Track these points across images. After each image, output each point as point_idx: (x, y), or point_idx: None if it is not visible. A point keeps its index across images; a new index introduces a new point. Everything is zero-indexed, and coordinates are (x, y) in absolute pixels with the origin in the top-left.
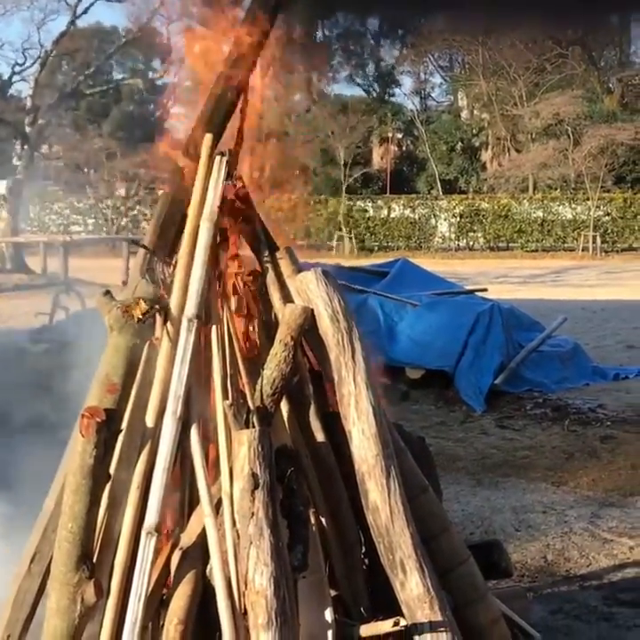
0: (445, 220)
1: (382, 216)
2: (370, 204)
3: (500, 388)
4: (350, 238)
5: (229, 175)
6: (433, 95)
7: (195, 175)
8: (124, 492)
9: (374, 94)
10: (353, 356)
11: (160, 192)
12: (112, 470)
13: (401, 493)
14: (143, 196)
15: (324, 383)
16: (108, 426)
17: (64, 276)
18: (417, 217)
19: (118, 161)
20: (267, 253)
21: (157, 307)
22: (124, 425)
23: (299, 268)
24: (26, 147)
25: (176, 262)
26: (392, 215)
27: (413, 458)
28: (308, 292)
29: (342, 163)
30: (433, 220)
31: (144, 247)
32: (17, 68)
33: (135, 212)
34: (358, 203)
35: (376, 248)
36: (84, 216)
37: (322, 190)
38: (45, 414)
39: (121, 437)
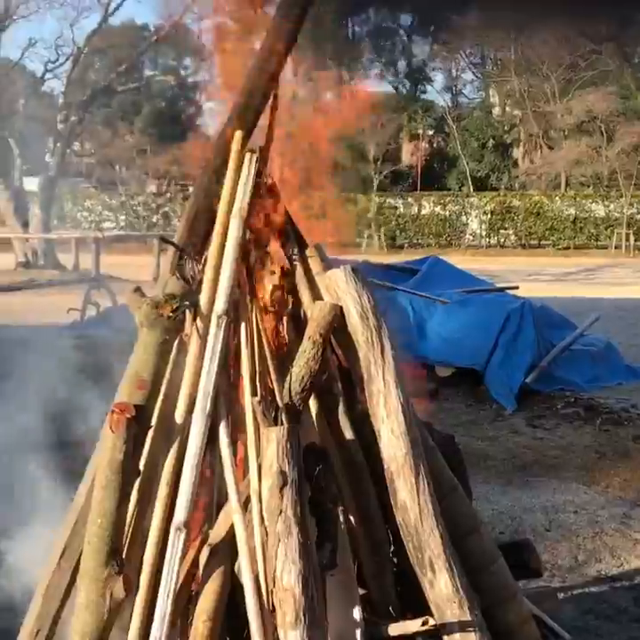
0: (476, 217)
1: (413, 213)
2: (400, 201)
3: (530, 387)
4: (380, 236)
5: (259, 173)
6: (464, 92)
7: (225, 172)
8: (153, 488)
9: (405, 91)
10: (382, 354)
11: (191, 189)
12: (141, 466)
13: (430, 492)
14: (174, 193)
15: (352, 381)
16: (137, 422)
17: (95, 273)
18: (448, 214)
19: (150, 158)
20: (296, 250)
21: (187, 303)
22: (153, 421)
23: (328, 265)
24: (58, 144)
25: (206, 259)
26: (422, 212)
27: (443, 456)
28: (337, 290)
29: (372, 160)
30: (464, 218)
31: (174, 245)
32: (50, 66)
33: (166, 208)
34: (389, 200)
35: (406, 245)
36: (115, 213)
37: (352, 187)
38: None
39: (150, 433)
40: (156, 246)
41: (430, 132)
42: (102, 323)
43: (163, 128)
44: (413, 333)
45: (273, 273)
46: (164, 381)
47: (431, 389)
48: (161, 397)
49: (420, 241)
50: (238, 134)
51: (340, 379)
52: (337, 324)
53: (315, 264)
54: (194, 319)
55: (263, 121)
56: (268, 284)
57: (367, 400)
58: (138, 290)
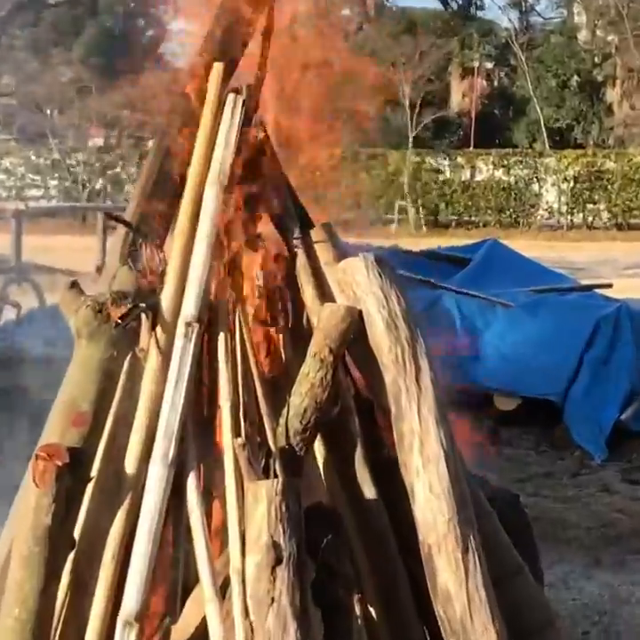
0: (554, 185)
1: (463, 179)
2: (446, 162)
3: (628, 427)
4: (418, 209)
5: (247, 121)
6: (538, 9)
7: (199, 120)
8: (93, 565)
9: (455, 7)
10: (417, 379)
11: (150, 143)
12: (77, 534)
13: (483, 575)
14: (127, 148)
15: (375, 416)
16: (72, 472)
17: (15, 260)
18: (513, 181)
19: (93, 99)
20: (297, 232)
21: (143, 305)
22: (94, 471)
23: (342, 253)
24: None
25: (171, 243)
26: (477, 178)
27: (503, 525)
28: (354, 287)
29: (408, 104)
30: (536, 186)
31: (125, 222)
32: None
33: (117, 170)
34: (429, 159)
35: (454, 224)
36: (44, 176)
37: (379, 142)
38: None
39: (90, 488)
40: (100, 223)
41: (490, 65)
42: (24, 330)
43: (112, 56)
44: (462, 349)
45: (265, 264)
46: (111, 415)
47: (488, 429)
48: (106, 437)
49: (473, 218)
50: (218, 66)
51: (357, 413)
52: (354, 336)
53: (323, 251)
54: (152, 327)
55: (253, 47)
56: (259, 280)
57: (396, 443)
58: (75, 285)
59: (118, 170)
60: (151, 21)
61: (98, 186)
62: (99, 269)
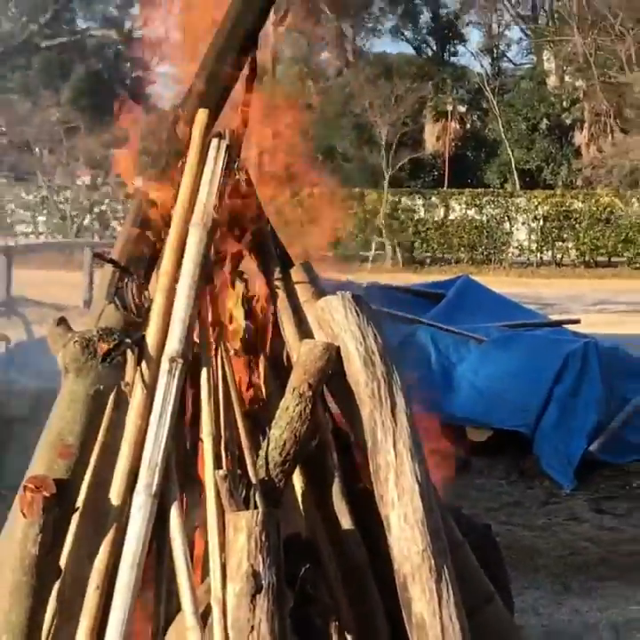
0: (524, 223)
1: (437, 217)
2: (420, 201)
3: (596, 458)
4: (394, 247)
5: (231, 164)
6: (509, 55)
7: (184, 163)
8: (78, 594)
9: (429, 53)
10: (393, 413)
11: (136, 184)
12: (63, 564)
13: (457, 604)
14: (114, 186)
15: (353, 449)
16: (59, 503)
17: (5, 294)
18: (485, 219)
19: (82, 138)
20: (278, 270)
21: (129, 341)
22: (80, 502)
23: (320, 291)
24: None
25: (156, 281)
26: (451, 217)
27: (475, 554)
28: (332, 324)
29: (384, 145)
30: (507, 225)
31: (112, 261)
32: None
33: (103, 207)
34: (405, 199)
35: (428, 261)
36: (33, 212)
37: (356, 181)
38: None
39: (76, 519)
40: (87, 259)
41: (463, 109)
42: (12, 364)
43: (100, 98)
44: (437, 382)
45: (247, 302)
46: (96, 447)
47: (460, 460)
48: (91, 469)
49: (446, 255)
50: (202, 113)
51: (335, 446)
52: (332, 371)
53: (303, 289)
54: (137, 363)
55: (236, 95)
56: (240, 317)
57: (372, 476)
58: (62, 321)
59: (104, 207)
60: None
61: (85, 222)
62: (86, 304)
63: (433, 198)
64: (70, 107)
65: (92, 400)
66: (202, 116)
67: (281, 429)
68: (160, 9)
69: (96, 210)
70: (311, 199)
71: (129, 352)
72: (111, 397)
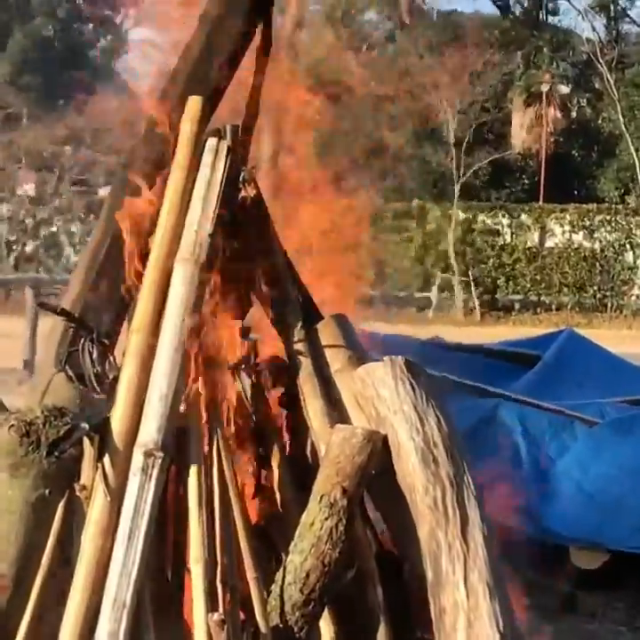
0: None
1: (530, 244)
2: (505, 221)
3: None
4: (468, 285)
5: (233, 173)
6: (632, 14)
7: (167, 171)
8: None
9: (518, 11)
10: (463, 532)
11: (102, 193)
12: None
13: None
14: (70, 198)
15: (405, 583)
16: None
17: None
18: (598, 248)
19: (24, 131)
20: (299, 326)
21: (86, 427)
22: None
23: (360, 355)
24: None
25: (125, 340)
26: (549, 243)
27: None
28: (376, 403)
29: (453, 141)
30: (630, 255)
31: (64, 313)
32: None
33: (53, 228)
34: (483, 217)
35: (517, 306)
36: None
37: (414, 192)
38: None
39: None
40: (29, 303)
41: (565, 90)
42: None
43: (51, 75)
44: (527, 484)
45: (254, 370)
46: (39, 577)
47: (562, 597)
48: (32, 608)
49: (543, 298)
50: (194, 102)
51: (380, 579)
52: (377, 471)
53: (335, 353)
54: (98, 457)
55: (243, 74)
56: (246, 394)
57: (434, 622)
58: None
59: (55, 228)
60: (102, 30)
61: (28, 249)
62: (27, 366)
63: (523, 216)
64: (8, 86)
65: (34, 510)
66: (194, 105)
67: (303, 554)
68: None
69: (43, 232)
70: (347, 217)
71: (86, 442)
72: (60, 506)
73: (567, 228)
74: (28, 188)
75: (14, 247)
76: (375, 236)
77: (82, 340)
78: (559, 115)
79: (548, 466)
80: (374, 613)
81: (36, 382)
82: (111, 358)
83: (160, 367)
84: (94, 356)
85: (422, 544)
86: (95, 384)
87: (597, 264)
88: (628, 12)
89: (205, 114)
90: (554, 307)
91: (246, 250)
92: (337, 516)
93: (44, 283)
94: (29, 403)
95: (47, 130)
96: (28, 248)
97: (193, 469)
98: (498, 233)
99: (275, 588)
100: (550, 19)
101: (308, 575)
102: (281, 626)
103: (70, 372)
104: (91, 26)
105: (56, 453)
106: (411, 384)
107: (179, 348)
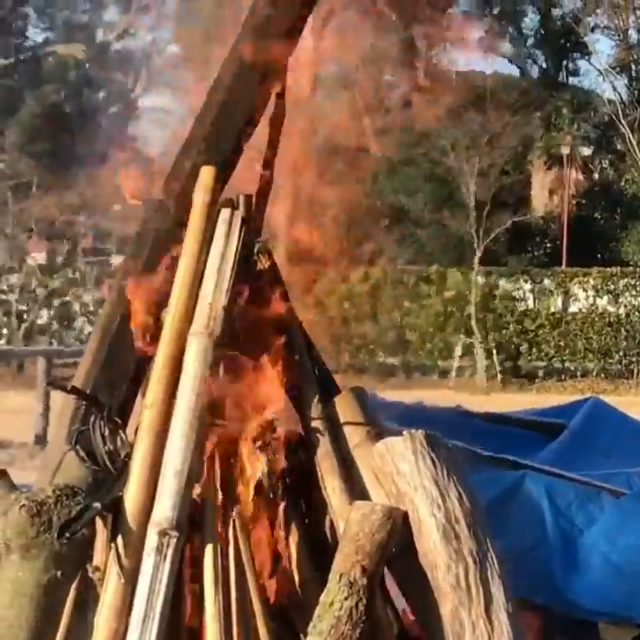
0: None
1: (554, 310)
2: (528, 286)
3: None
4: (490, 352)
5: (247, 244)
6: None
7: (181, 242)
8: None
9: (537, 72)
10: (487, 612)
11: (114, 264)
12: None
13: None
14: (83, 268)
15: None
16: None
17: None
18: (623, 313)
19: (35, 199)
20: (317, 400)
21: (98, 506)
22: None
23: (379, 430)
24: None
25: (137, 420)
26: (573, 308)
27: None
28: (396, 478)
29: (473, 204)
30: None
31: (75, 391)
32: None
33: (66, 298)
34: (504, 283)
35: (541, 374)
36: None
37: (434, 257)
38: None
39: None
40: (41, 375)
41: (587, 152)
42: None
43: (61, 143)
44: (555, 554)
45: (271, 449)
46: None
47: None
48: None
49: (568, 365)
50: (207, 172)
51: None
52: (397, 549)
53: (354, 429)
54: (111, 538)
55: (256, 143)
56: (262, 472)
57: None
58: (3, 475)
59: (68, 298)
60: (115, 96)
61: (40, 321)
62: (39, 440)
63: (546, 281)
64: (18, 154)
65: (46, 592)
66: (207, 175)
67: (322, 636)
68: (150, 10)
69: (55, 302)
70: (366, 284)
71: (99, 522)
72: (73, 588)
73: (591, 292)
74: (38, 257)
75: (25, 318)
76: (395, 302)
77: (93, 418)
78: (581, 177)
79: (574, 538)
80: None
81: (47, 460)
82: (123, 436)
83: (174, 443)
84: (106, 433)
85: (445, 623)
86: (107, 462)
87: (623, 329)
88: None
89: (218, 183)
90: (579, 373)
91: (262, 323)
92: (357, 596)
93: (54, 354)
94: (41, 480)
95: (58, 197)
96: (40, 320)
97: (208, 549)
98: (519, 299)
99: None
100: (571, 79)
101: None
102: None
103: (82, 452)
104: (101, 93)
105: (67, 534)
106: (431, 459)
107: (193, 424)
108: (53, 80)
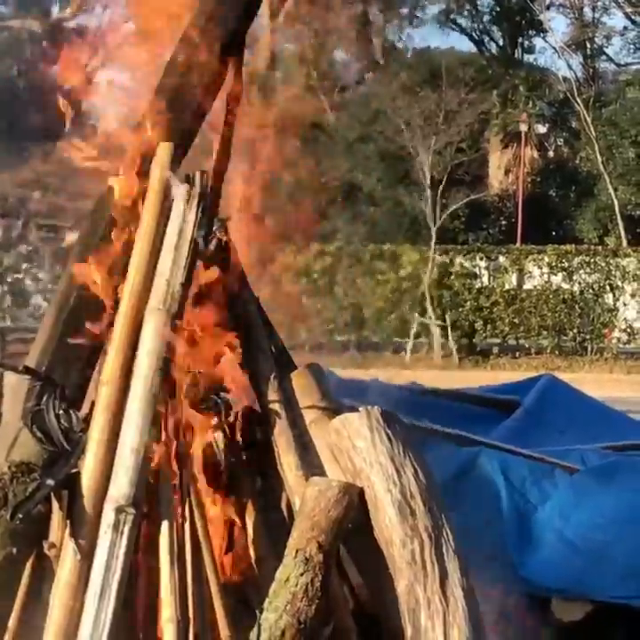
0: (634, 296)
1: (508, 287)
2: (483, 263)
3: None
4: (445, 329)
5: (204, 220)
6: (609, 51)
7: (136, 216)
8: None
9: (494, 49)
10: (442, 587)
11: (67, 240)
12: None
13: None
14: (36, 245)
15: (382, 638)
16: None
17: None
18: (577, 290)
19: None
20: (273, 377)
21: (51, 483)
22: None
23: (336, 406)
24: None
25: (93, 396)
26: (528, 285)
27: None
28: (352, 454)
29: (429, 182)
30: (610, 297)
31: (29, 371)
32: None
33: (20, 275)
34: (460, 260)
35: (495, 351)
36: None
37: (388, 235)
38: None
39: None
40: None
41: (543, 129)
42: None
43: (14, 116)
44: (509, 531)
45: (226, 424)
46: (8, 638)
47: None
48: None
49: (522, 342)
50: (163, 148)
51: (358, 636)
52: (353, 525)
53: (309, 403)
54: (67, 515)
55: (212, 119)
56: (217, 448)
57: None
58: None
59: (21, 275)
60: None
61: None
62: None
63: (501, 259)
64: None
65: (1, 568)
66: (163, 151)
67: (278, 612)
68: None
69: (8, 279)
70: (321, 260)
71: (54, 499)
72: (28, 565)
73: (545, 269)
74: None
75: None
76: (349, 280)
77: (48, 396)
78: (536, 155)
79: (528, 515)
80: None
81: (2, 436)
82: (79, 413)
83: (131, 420)
84: (60, 412)
85: (400, 599)
86: (63, 441)
87: (577, 306)
88: (605, 50)
89: (176, 159)
90: (533, 350)
91: (219, 297)
92: (312, 572)
93: (7, 331)
94: None
95: (12, 172)
96: None
97: (164, 525)
98: (475, 276)
99: None
100: (527, 57)
101: (283, 633)
102: None
103: (38, 433)
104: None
105: (22, 512)
106: (387, 435)
107: (150, 400)
108: (9, 53)
